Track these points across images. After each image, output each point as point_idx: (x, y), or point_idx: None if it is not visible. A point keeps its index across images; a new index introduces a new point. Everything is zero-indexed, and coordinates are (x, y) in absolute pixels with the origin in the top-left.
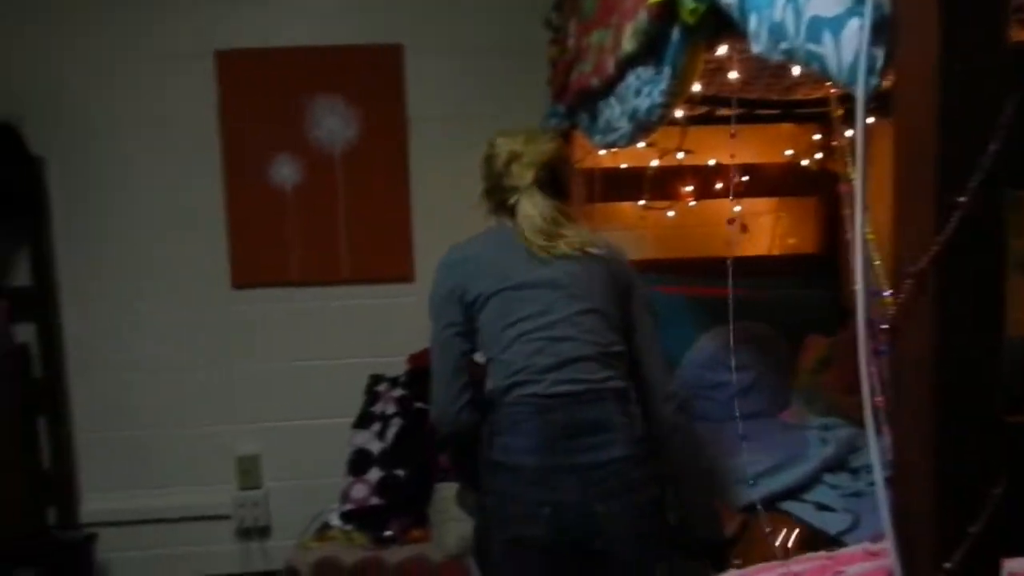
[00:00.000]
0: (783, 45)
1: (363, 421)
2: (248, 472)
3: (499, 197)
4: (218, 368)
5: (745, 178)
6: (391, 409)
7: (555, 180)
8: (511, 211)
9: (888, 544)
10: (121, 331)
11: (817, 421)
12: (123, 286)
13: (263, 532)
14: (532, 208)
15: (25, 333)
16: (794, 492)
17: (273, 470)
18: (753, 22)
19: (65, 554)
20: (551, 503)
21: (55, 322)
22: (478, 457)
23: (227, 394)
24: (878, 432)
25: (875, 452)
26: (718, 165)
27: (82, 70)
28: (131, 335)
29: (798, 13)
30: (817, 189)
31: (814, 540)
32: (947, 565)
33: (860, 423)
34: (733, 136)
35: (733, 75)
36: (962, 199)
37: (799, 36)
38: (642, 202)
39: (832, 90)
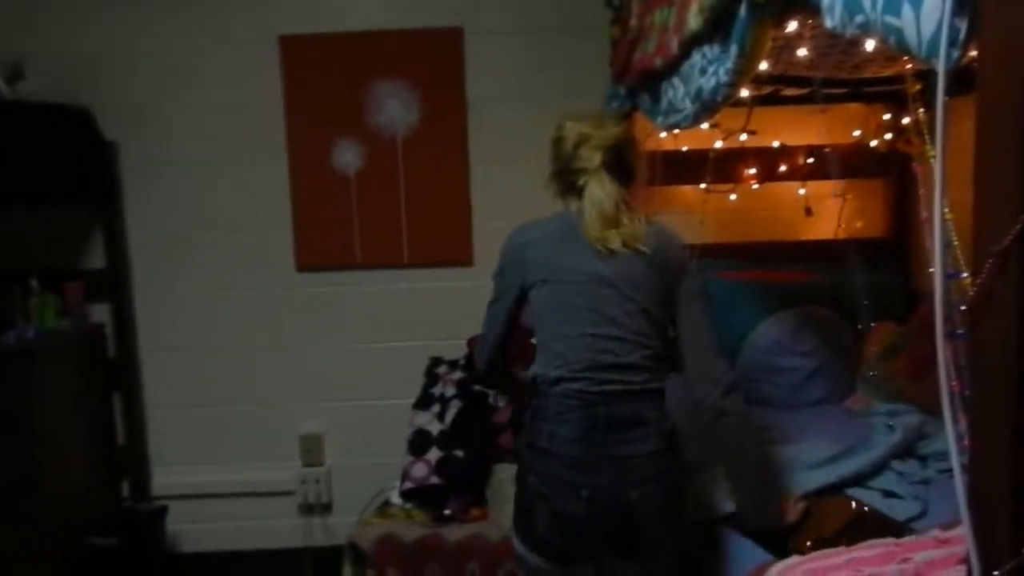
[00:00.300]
0: (858, 19)
1: (423, 402)
2: (311, 450)
3: (568, 179)
4: (283, 348)
5: (810, 160)
6: (450, 391)
7: (622, 163)
8: (579, 193)
9: (963, 530)
10: (190, 311)
11: (884, 408)
12: (192, 268)
13: (325, 508)
14: (600, 191)
15: (100, 313)
16: (860, 479)
17: (335, 448)
18: None
19: (138, 525)
20: (589, 486)
21: (128, 302)
22: (521, 439)
23: (291, 374)
24: (954, 418)
25: (952, 437)
26: (783, 146)
27: (152, 57)
28: (199, 315)
29: None
30: (886, 170)
31: (880, 527)
32: None
33: (928, 410)
34: (823, 112)
35: (802, 53)
36: None
37: (876, 9)
38: (704, 185)
39: (907, 66)
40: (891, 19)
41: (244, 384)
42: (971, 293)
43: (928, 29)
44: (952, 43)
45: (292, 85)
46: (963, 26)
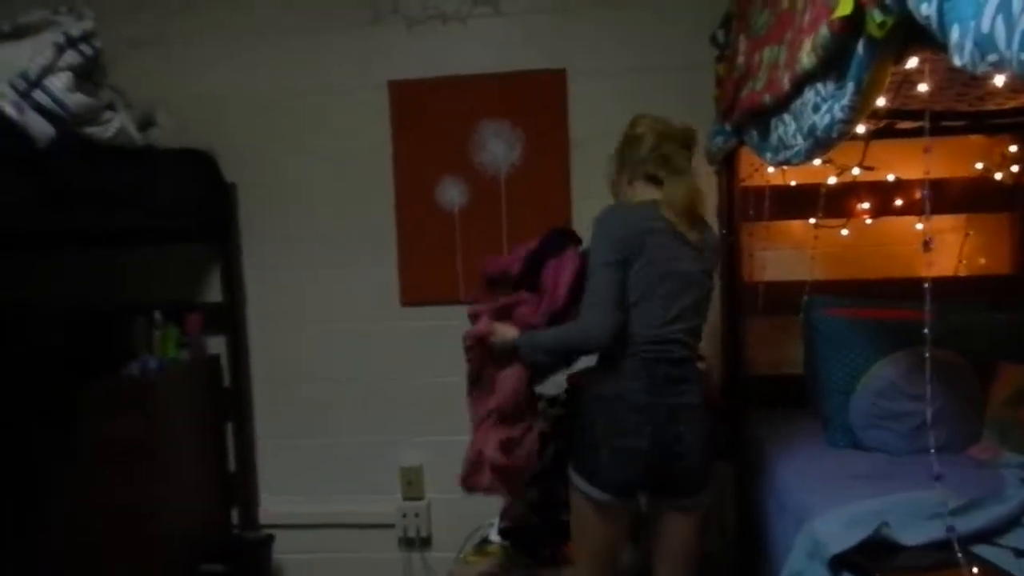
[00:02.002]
0: (991, 57)
1: None
2: (412, 483)
3: (646, 170)
4: (387, 381)
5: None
6: (550, 428)
7: (690, 159)
8: (655, 182)
9: None
10: (300, 344)
11: (1016, 459)
12: (302, 302)
13: (425, 542)
14: (685, 188)
15: (216, 345)
16: (988, 535)
17: (435, 482)
18: (955, 34)
19: (247, 553)
20: (650, 424)
21: (243, 335)
22: (588, 395)
23: (394, 406)
24: None
25: None
26: (898, 180)
27: (269, 102)
28: (309, 348)
29: (1011, 23)
30: (1012, 205)
31: None
32: None
33: None
34: (927, 151)
35: (922, 88)
36: None
37: (1011, 47)
38: (813, 220)
39: None
40: None
41: (348, 416)
42: None
43: None
44: None
45: (399, 127)
46: None
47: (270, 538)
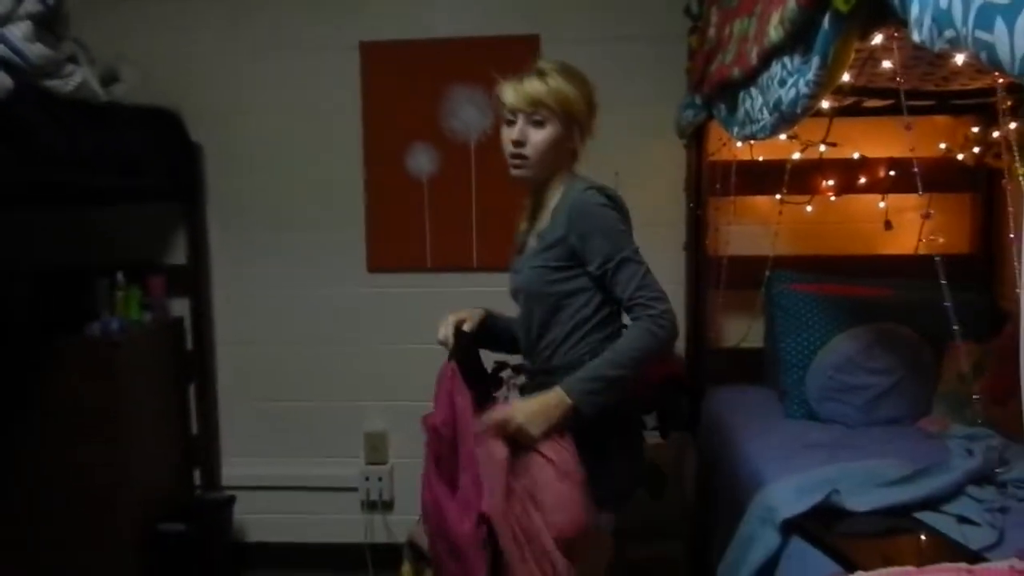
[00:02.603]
0: (948, 33)
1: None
2: (376, 447)
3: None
4: (352, 347)
5: (892, 172)
6: (514, 396)
7: None
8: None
9: None
10: (264, 307)
11: (962, 431)
12: (268, 266)
13: (387, 506)
14: None
15: (180, 307)
16: (933, 502)
17: (399, 447)
18: (915, 10)
19: (208, 513)
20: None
21: (207, 297)
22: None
23: (359, 372)
24: None
25: None
26: (863, 158)
27: (236, 61)
28: (273, 311)
29: (967, 0)
30: (973, 185)
31: (952, 555)
32: None
33: (1009, 435)
34: (909, 128)
35: (886, 64)
36: None
37: (967, 24)
38: (779, 196)
39: (999, 80)
40: (982, 34)
41: (313, 380)
42: None
43: (1022, 45)
44: None
45: (370, 90)
46: None
47: (231, 499)
